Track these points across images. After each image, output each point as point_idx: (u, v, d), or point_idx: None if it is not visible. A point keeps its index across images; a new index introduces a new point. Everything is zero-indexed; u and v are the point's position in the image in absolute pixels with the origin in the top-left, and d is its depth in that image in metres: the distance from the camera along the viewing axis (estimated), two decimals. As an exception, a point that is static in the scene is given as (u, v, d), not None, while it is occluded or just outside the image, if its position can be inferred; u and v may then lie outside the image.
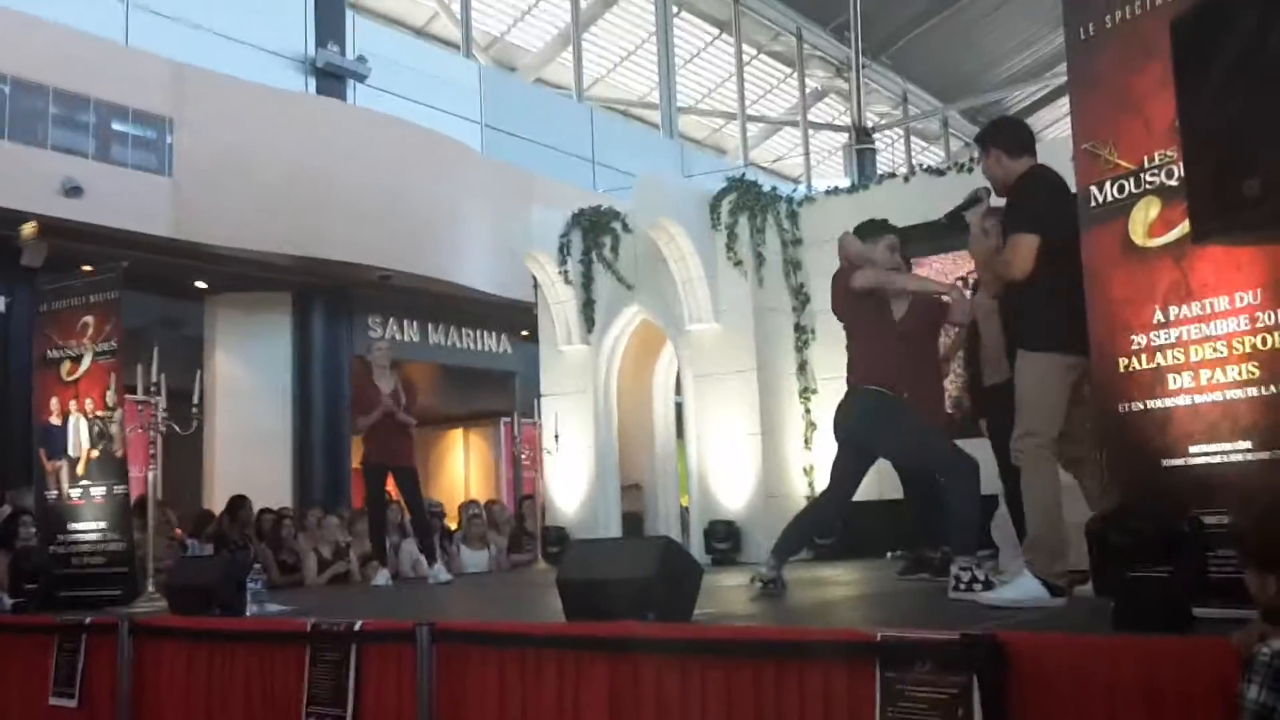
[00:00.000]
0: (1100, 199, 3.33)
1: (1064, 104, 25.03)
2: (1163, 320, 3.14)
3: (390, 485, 8.17)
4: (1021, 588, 3.65)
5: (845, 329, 5.29)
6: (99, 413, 6.22)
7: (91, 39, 11.99)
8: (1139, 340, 3.20)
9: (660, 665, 3.13)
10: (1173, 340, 3.12)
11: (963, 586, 4.16)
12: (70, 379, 6.39)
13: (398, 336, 15.48)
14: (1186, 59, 2.66)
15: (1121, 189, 3.29)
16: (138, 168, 12.06)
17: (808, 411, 9.09)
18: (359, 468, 8.47)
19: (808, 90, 25.59)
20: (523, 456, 10.79)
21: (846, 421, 5.01)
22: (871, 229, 5.40)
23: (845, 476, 5.04)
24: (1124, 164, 3.28)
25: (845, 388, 5.12)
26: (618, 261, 9.81)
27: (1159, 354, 3.15)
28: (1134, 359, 3.20)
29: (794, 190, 10.36)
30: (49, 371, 6.51)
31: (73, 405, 6.35)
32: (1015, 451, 3.81)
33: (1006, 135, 4.22)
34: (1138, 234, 3.23)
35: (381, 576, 7.66)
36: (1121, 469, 3.24)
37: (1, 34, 10.92)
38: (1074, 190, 3.52)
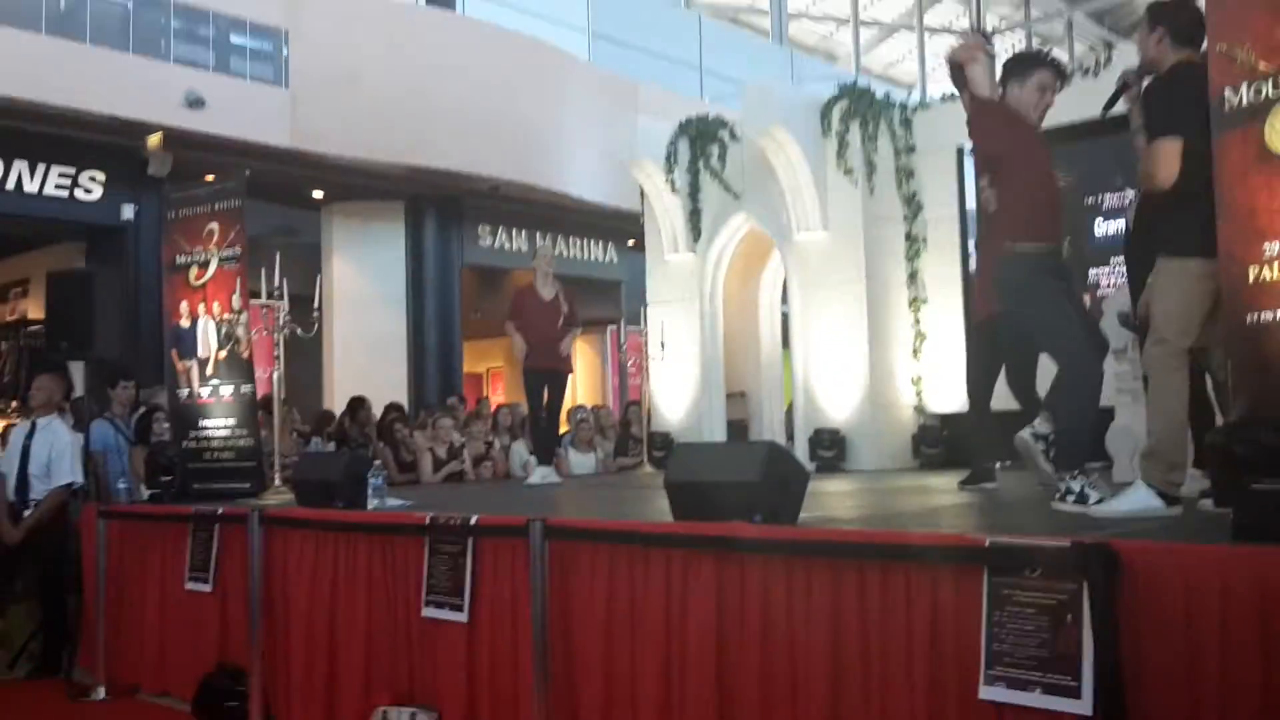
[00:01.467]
0: (1235, 103, 3.18)
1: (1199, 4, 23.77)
2: (1298, 228, 3.02)
3: (496, 391, 8.35)
4: (1136, 499, 3.56)
5: (993, 173, 4.72)
6: (226, 315, 6.46)
7: (209, -48, 12.20)
8: (1271, 249, 3.08)
9: (766, 566, 3.19)
10: (1308, 249, 3.00)
11: (1072, 498, 4.01)
12: (198, 283, 6.64)
13: (506, 246, 15.67)
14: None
15: (1258, 93, 3.13)
16: (256, 79, 12.35)
17: (917, 322, 8.97)
18: (471, 373, 8.66)
19: (924, -8, 24.68)
20: (629, 364, 10.90)
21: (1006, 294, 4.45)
22: (1020, 64, 4.66)
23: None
24: (1262, 67, 3.12)
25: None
26: (725, 171, 9.72)
27: (1292, 263, 3.03)
28: (1265, 268, 3.09)
29: (908, 97, 10.07)
30: (177, 276, 6.77)
31: (201, 308, 6.61)
32: (1147, 358, 3.68)
33: (1178, 17, 3.81)
34: (1274, 140, 3.09)
35: (538, 474, 7.80)
36: (1248, 380, 3.15)
37: (124, -53, 11.19)
38: None
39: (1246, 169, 3.15)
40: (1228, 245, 3.21)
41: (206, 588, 5.22)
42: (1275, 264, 3.07)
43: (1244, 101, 3.17)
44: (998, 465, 5.82)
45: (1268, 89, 3.12)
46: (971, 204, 9.08)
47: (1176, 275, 3.64)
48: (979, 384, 5.86)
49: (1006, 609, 2.63)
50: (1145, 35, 3.89)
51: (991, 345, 5.72)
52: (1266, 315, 3.08)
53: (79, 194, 11.98)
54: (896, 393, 8.98)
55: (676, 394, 10.04)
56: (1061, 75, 4.63)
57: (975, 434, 5.95)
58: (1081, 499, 3.88)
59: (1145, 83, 3.95)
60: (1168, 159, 3.60)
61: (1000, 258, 4.45)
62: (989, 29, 22.77)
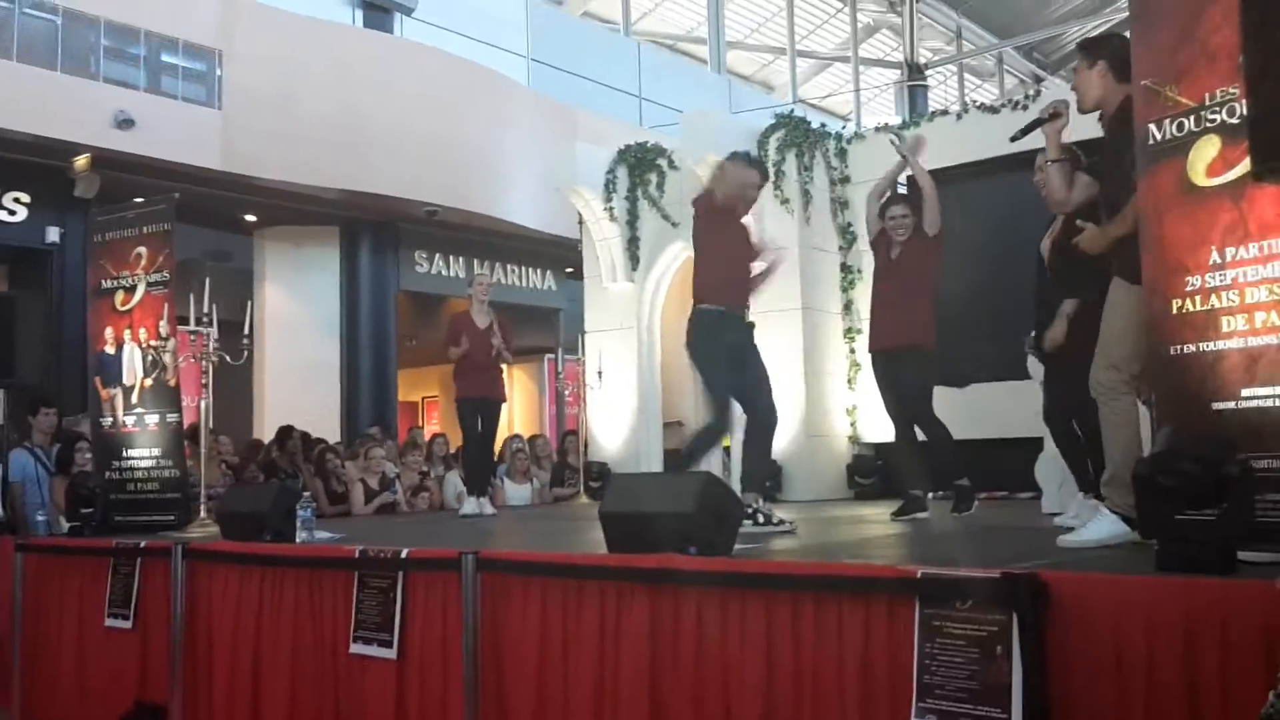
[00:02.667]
0: (1159, 137, 3.26)
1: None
2: (1219, 261, 3.08)
3: (431, 420, 8.27)
4: (1103, 526, 3.59)
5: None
6: (152, 342, 6.32)
7: (142, -30, 12.01)
8: (1193, 281, 3.14)
9: (700, 598, 3.16)
10: (1228, 282, 3.06)
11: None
12: (124, 308, 6.50)
13: (443, 272, 15.55)
14: (1253, -9, 2.57)
15: (1181, 127, 3.21)
16: (188, 100, 12.13)
17: (852, 351, 9.06)
18: (405, 401, 8.56)
19: (859, 25, 25.09)
20: (566, 392, 10.85)
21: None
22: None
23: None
24: (1185, 101, 3.20)
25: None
26: (663, 198, 9.75)
27: (1213, 295, 3.09)
28: (1188, 300, 3.15)
29: (843, 127, 10.21)
30: (103, 301, 6.62)
31: (127, 334, 6.46)
32: (1096, 384, 3.72)
33: (1118, 48, 3.79)
34: (1196, 173, 3.16)
35: (471, 505, 7.76)
36: (1171, 411, 3.20)
37: (53, -35, 10.97)
38: None
39: (1170, 202, 3.22)
40: (1151, 278, 3.28)
41: (127, 624, 5.07)
42: (1197, 297, 3.13)
43: (1168, 135, 3.24)
44: (929, 495, 5.87)
45: (1189, 123, 3.19)
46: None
47: (1135, 300, 3.60)
48: (892, 414, 6.02)
49: (937, 640, 2.63)
50: (1086, 71, 3.88)
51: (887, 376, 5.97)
52: (1189, 347, 3.14)
53: (2, 215, 11.67)
54: (831, 423, 9.05)
55: (614, 423, 10.01)
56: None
57: (902, 463, 6.02)
58: (751, 517, 4.75)
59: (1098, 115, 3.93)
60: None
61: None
62: (922, 61, 23.24)
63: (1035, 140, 4.22)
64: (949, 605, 2.61)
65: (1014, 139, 4.28)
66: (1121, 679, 2.41)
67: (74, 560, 5.58)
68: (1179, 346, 3.16)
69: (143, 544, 5.15)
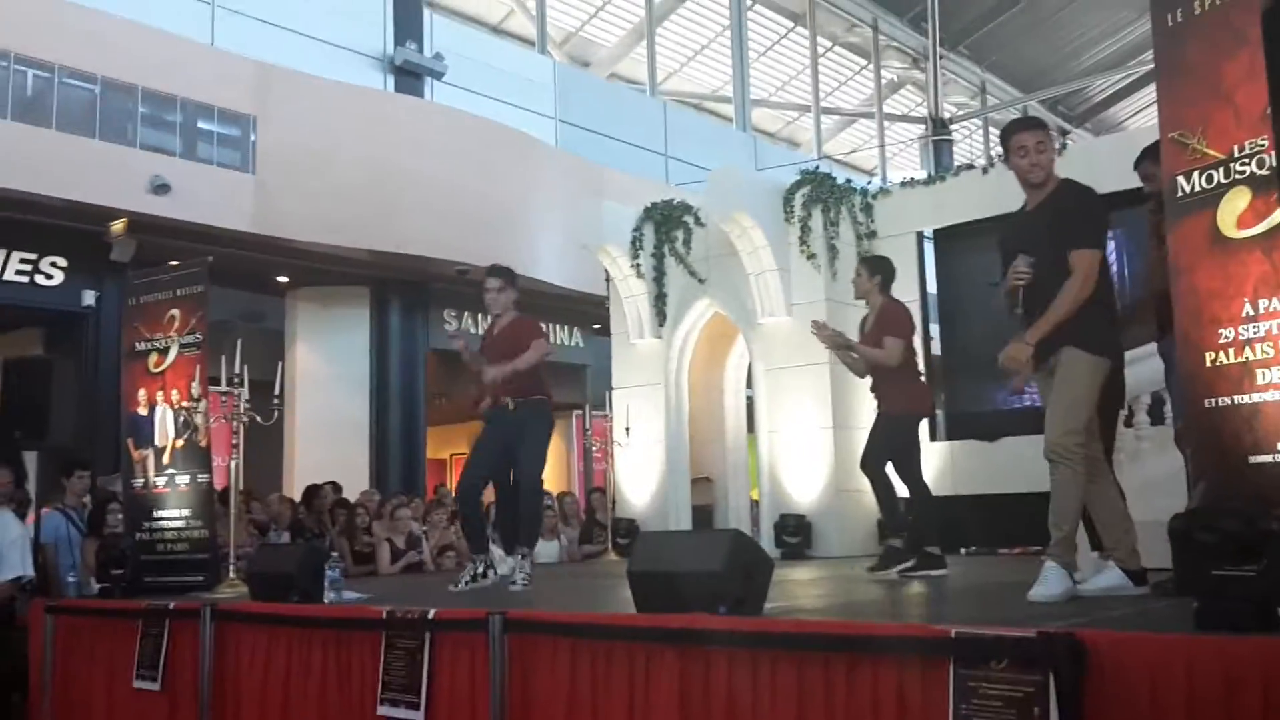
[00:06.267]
0: (1188, 189, 3.24)
1: (1147, 94, 24.33)
2: (1252, 314, 3.05)
3: (458, 473, 8.11)
4: (1060, 581, 3.80)
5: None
6: (184, 403, 6.37)
7: (178, 40, 12.32)
8: (1227, 334, 3.11)
9: (731, 658, 3.12)
10: (1261, 334, 3.03)
11: None
12: (157, 370, 6.56)
13: (472, 330, 15.63)
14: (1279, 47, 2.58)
15: (1210, 179, 3.19)
16: (222, 165, 12.36)
17: (881, 406, 8.99)
18: (434, 459, 8.52)
19: (883, 82, 25.29)
20: (594, 449, 10.83)
21: None
22: None
23: None
24: (1213, 153, 3.19)
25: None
26: (690, 255, 9.79)
27: (1247, 348, 3.06)
28: (1221, 353, 3.12)
29: (868, 183, 10.24)
30: (137, 363, 6.68)
31: (159, 396, 6.51)
32: (1057, 448, 3.86)
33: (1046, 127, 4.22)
34: (1227, 225, 3.14)
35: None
36: (1207, 465, 3.15)
37: (92, 36, 11.26)
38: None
39: (1201, 254, 3.20)
40: (1184, 330, 3.25)
41: (155, 686, 5.04)
42: (1231, 349, 3.10)
43: (1197, 187, 3.23)
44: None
45: (1219, 175, 3.18)
46: (932, 288, 9.20)
47: (1092, 369, 3.90)
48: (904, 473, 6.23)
49: (973, 702, 2.57)
50: (1044, 149, 4.10)
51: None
52: (1224, 400, 3.10)
53: (39, 280, 11.87)
54: (861, 477, 8.93)
55: (641, 479, 9.97)
56: None
57: (915, 521, 6.15)
58: None
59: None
60: (1094, 267, 3.90)
61: None
62: (946, 116, 23.35)
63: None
64: (984, 665, 2.56)
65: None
66: (1163, 740, 2.35)
67: (104, 622, 5.58)
68: (1214, 400, 3.12)
69: (171, 605, 5.15)
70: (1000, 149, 4.28)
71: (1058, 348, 3.92)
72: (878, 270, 6.29)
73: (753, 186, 9.70)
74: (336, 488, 9.41)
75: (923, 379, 6.55)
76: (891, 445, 6.08)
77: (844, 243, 9.15)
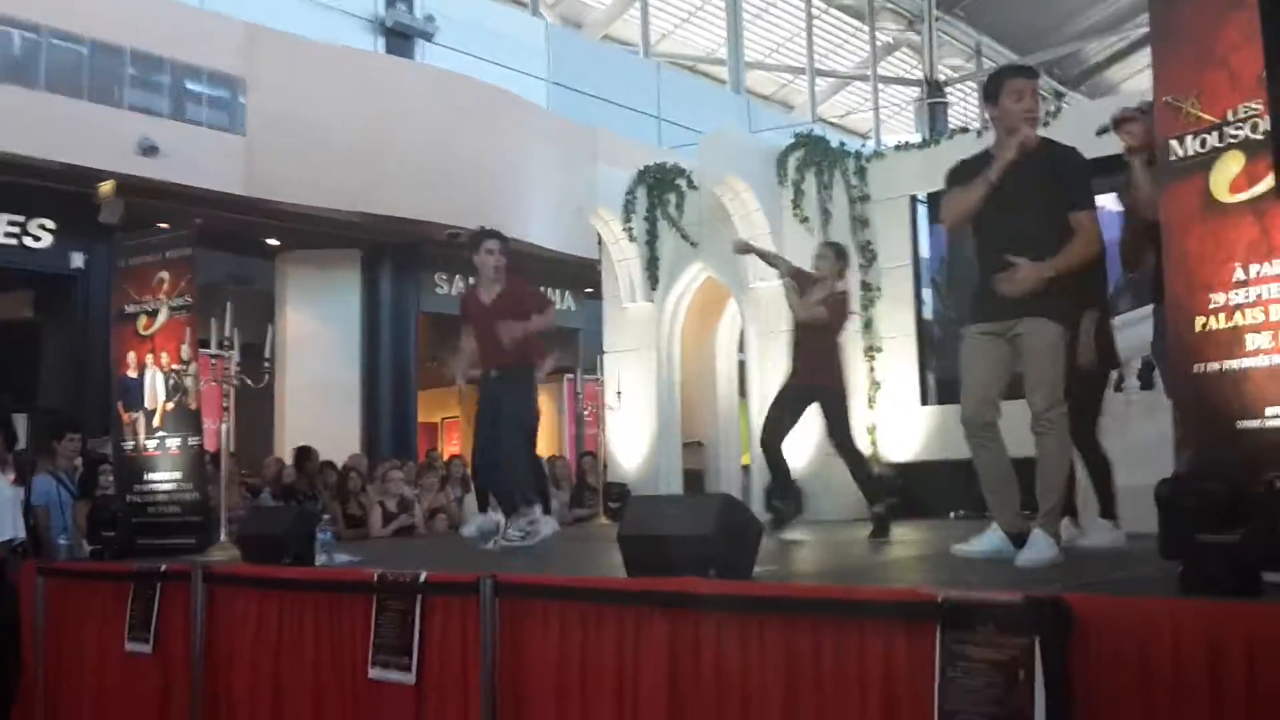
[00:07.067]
0: (1181, 153, 3.23)
1: (1141, 57, 24.18)
2: (1243, 278, 3.05)
3: (451, 441, 8.16)
4: (992, 540, 4.03)
5: None
6: (174, 366, 6.34)
7: (167, 1, 12.16)
8: (1217, 299, 3.10)
9: (720, 622, 3.14)
10: (1252, 299, 3.03)
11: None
12: (146, 333, 6.53)
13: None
14: (1275, 8, 2.56)
15: (1203, 143, 3.18)
16: (211, 127, 12.27)
17: (872, 370, 9.00)
18: (425, 422, 8.52)
19: (878, 44, 25.11)
20: (585, 413, 10.83)
21: None
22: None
23: None
24: (1207, 117, 3.17)
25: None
26: (682, 219, 9.76)
27: (1238, 313, 3.06)
28: (1211, 318, 3.11)
29: (862, 146, 10.20)
30: (126, 325, 6.65)
31: (149, 359, 6.48)
32: (1044, 419, 3.92)
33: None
34: (1219, 189, 3.13)
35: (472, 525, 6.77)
36: (1194, 430, 3.16)
37: (80, -4, 11.12)
38: None
39: (1193, 219, 3.19)
40: (1174, 295, 3.24)
41: (147, 648, 5.05)
42: (1221, 314, 3.10)
43: (1190, 152, 3.21)
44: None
45: (1212, 139, 3.16)
46: (925, 252, 9.19)
47: (1061, 339, 3.97)
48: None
49: (959, 665, 2.59)
50: (1036, 103, 4.14)
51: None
52: (1213, 365, 3.10)
53: (28, 241, 11.81)
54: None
55: (633, 444, 9.98)
56: None
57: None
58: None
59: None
60: (1097, 229, 3.92)
61: None
62: (941, 79, 23.23)
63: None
64: (971, 629, 2.58)
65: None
66: (1146, 703, 2.37)
67: (95, 584, 5.57)
68: (1202, 365, 3.12)
69: (163, 568, 5.14)
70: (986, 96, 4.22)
71: (1019, 315, 3.93)
72: (842, 257, 6.64)
73: (745, 150, 9.65)
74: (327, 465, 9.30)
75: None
76: (845, 419, 6.48)
77: (837, 206, 9.11)
